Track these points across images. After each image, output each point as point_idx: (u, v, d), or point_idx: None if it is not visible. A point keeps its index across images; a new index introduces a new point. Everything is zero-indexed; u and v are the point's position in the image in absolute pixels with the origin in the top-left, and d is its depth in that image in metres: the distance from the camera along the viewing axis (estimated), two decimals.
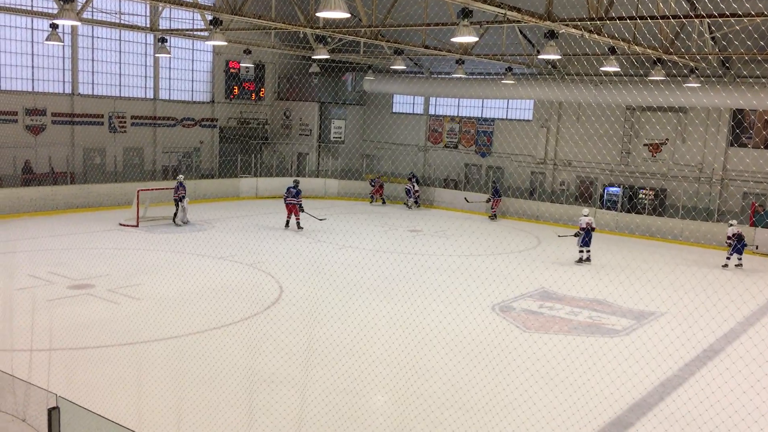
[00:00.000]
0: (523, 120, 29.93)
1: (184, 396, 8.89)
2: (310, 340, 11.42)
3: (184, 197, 21.89)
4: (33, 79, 25.11)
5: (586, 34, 14.43)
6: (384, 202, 29.75)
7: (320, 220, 23.15)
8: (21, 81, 24.76)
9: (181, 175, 23.27)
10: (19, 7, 22.27)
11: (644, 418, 9.15)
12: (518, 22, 14.09)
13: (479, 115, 31.32)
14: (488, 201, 26.98)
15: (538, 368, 10.75)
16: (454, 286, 15.74)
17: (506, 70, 25.97)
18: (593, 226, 19.35)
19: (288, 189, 22.15)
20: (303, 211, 22.00)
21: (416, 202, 29.16)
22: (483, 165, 31.01)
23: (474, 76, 29.30)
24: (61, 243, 18.50)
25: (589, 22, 13.88)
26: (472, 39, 13.60)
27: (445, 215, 27.47)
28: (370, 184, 29.99)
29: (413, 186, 29.08)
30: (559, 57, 16.84)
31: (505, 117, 30.56)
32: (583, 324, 13.50)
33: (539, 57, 20.72)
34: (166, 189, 22.60)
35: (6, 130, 24.09)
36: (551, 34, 14.89)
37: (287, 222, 22.23)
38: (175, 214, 21.96)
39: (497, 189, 27.38)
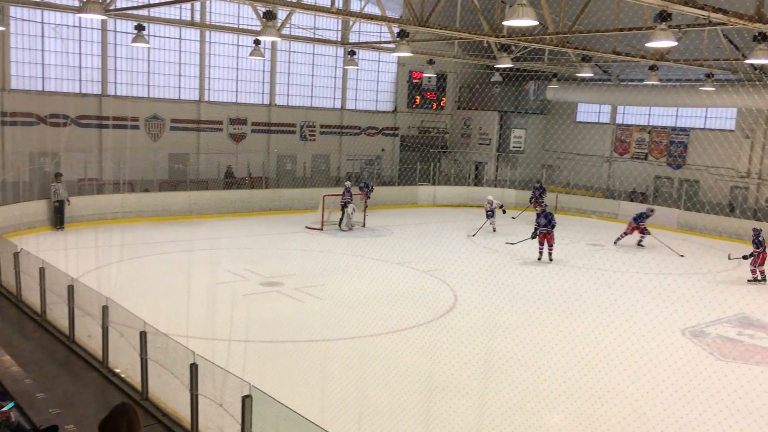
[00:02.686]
0: (724, 130, 27.50)
1: (364, 396, 9.19)
2: (488, 351, 11.30)
3: (349, 203, 22.62)
4: (237, 92, 27.47)
5: None
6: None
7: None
8: (226, 93, 27.20)
9: (348, 182, 24.17)
10: (227, 25, 24.50)
11: None
12: (722, 24, 12.96)
13: (673, 125, 29.27)
14: None
15: (735, 401, 9.75)
16: (639, 306, 14.80)
17: (706, 76, 24.02)
18: None
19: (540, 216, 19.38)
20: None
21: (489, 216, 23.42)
22: (675, 178, 28.91)
23: (668, 83, 27.44)
24: (255, 242, 20.00)
25: None
26: (669, 44, 12.76)
27: None
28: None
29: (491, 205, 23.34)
30: None
31: (702, 126, 28.28)
32: None
33: (746, 62, 18.92)
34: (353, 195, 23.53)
35: (213, 138, 26.58)
36: (762, 37, 13.54)
37: (540, 253, 19.28)
38: (341, 220, 22.73)
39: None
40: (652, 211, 22.67)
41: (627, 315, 13.99)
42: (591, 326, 12.98)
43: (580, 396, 9.68)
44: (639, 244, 22.14)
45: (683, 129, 28.78)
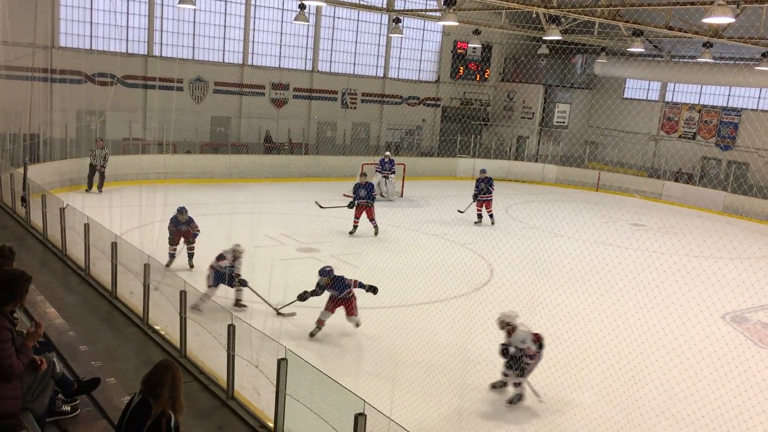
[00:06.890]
0: None
1: (397, 365, 9.27)
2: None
3: (378, 172, 22.51)
4: (280, 56, 27.46)
5: None
6: None
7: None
8: (270, 57, 27.21)
9: (387, 152, 24.07)
10: None
11: None
12: None
13: (724, 104, 28.41)
14: None
15: None
16: (679, 289, 14.54)
17: (762, 55, 23.18)
18: None
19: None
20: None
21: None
22: (724, 159, 28.14)
23: (722, 61, 26.56)
24: (293, 208, 20.13)
25: None
26: (726, 20, 12.30)
27: (674, 210, 25.44)
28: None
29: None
30: None
31: (755, 107, 27.39)
32: None
33: None
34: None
35: (255, 102, 26.70)
36: None
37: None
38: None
39: None
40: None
41: (666, 297, 13.77)
42: (629, 306, 12.82)
43: (614, 376, 9.60)
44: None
45: (735, 109, 27.91)
